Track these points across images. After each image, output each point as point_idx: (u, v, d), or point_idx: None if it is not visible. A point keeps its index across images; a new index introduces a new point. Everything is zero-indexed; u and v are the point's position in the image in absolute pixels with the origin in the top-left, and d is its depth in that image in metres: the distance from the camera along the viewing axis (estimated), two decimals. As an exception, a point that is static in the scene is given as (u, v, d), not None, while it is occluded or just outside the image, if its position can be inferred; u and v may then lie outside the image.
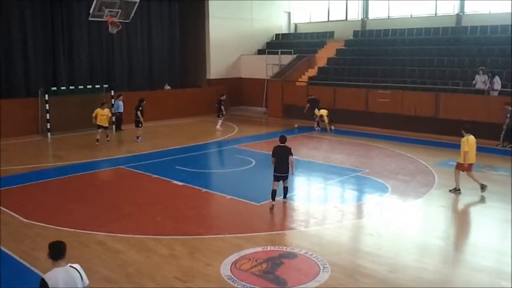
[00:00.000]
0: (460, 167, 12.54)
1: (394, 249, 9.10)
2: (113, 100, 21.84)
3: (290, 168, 11.23)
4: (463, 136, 12.40)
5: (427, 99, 20.40)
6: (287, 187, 11.57)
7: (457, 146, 17.63)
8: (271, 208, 11.19)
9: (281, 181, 11.37)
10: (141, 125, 19.42)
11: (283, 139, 11.44)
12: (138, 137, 19.43)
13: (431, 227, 10.64)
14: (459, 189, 12.52)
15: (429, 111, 20.29)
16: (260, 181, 14.02)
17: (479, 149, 17.31)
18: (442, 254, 9.15)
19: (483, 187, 12.43)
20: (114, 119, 21.55)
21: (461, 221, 11.25)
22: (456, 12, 25.57)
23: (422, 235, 10.07)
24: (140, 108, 19.37)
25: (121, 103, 21.69)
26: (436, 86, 20.71)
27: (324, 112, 21.71)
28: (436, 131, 19.77)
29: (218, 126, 22.04)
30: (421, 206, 11.91)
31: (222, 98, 22.37)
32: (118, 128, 21.97)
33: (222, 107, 22.26)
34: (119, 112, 21.81)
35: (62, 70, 23.19)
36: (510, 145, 17.70)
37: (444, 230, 10.59)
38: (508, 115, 17.77)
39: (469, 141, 12.31)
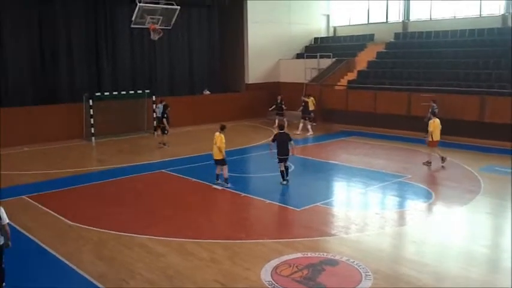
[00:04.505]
0: (429, 144, 15.60)
1: (438, 258, 8.84)
2: (154, 105, 22.17)
3: (291, 150, 13.36)
4: (430, 119, 15.76)
5: (471, 102, 19.78)
6: (288, 167, 13.62)
7: (503, 151, 17.34)
8: (284, 184, 13.43)
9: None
10: (167, 132, 19.08)
11: (282, 127, 14.05)
12: (165, 144, 19.23)
13: (477, 234, 10.28)
14: (431, 162, 15.59)
15: (474, 115, 19.67)
16: (299, 186, 13.95)
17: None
18: (489, 263, 8.83)
19: (443, 159, 15.54)
20: (155, 123, 21.79)
21: (507, 229, 10.80)
22: (502, 13, 24.70)
23: (468, 243, 9.74)
24: (165, 115, 19.03)
25: (161, 107, 21.21)
26: (482, 89, 20.04)
27: (311, 101, 22.89)
28: (481, 136, 19.15)
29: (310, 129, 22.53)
30: (466, 213, 11.54)
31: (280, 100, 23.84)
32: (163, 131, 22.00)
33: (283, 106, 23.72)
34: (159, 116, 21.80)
35: (106, 76, 23.81)
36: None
37: (491, 237, 10.22)
38: (430, 110, 18.08)
39: (435, 123, 15.47)
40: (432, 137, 15.41)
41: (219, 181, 13.54)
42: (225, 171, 13.37)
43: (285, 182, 13.48)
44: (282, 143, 13.36)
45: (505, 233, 10.54)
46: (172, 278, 8.04)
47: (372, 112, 22.83)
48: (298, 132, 21.84)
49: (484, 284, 7.80)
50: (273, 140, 13.66)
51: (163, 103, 19.91)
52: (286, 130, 14.11)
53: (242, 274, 8.11)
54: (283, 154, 13.38)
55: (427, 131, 15.93)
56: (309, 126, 22.35)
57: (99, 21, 23.46)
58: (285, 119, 22.63)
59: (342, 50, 28.57)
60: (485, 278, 8.06)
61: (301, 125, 22.26)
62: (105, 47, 23.74)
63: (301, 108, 22.60)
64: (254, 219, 11.63)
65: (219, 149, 13.15)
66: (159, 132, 20.03)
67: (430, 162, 15.61)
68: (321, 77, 26.52)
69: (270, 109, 24.49)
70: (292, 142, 13.51)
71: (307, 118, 22.37)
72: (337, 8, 32.07)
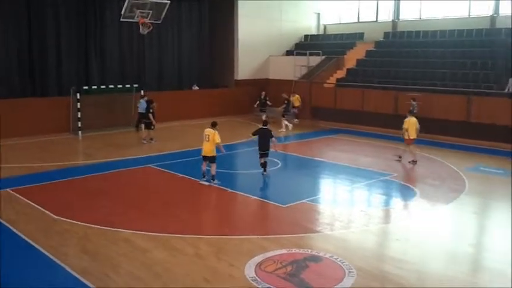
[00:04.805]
0: (406, 142, 16.01)
1: (421, 256, 8.93)
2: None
3: (273, 146, 13.85)
4: (406, 117, 16.10)
5: (458, 102, 19.98)
6: (266, 162, 14.06)
7: (490, 151, 17.59)
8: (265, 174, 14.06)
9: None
10: (153, 127, 18.94)
11: (265, 123, 14.26)
12: (151, 139, 19.10)
13: (460, 233, 10.40)
14: (416, 161, 15.89)
15: (461, 115, 19.88)
16: (286, 183, 14.03)
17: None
18: (471, 262, 8.94)
19: (414, 162, 15.82)
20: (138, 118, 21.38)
21: (491, 228, 10.97)
22: (490, 14, 24.94)
23: (451, 242, 9.85)
24: (151, 110, 18.82)
25: (144, 103, 20.59)
26: (469, 90, 20.24)
27: (297, 99, 24.53)
28: (467, 135, 19.38)
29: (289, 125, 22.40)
30: (450, 211, 11.66)
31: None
32: (137, 127, 21.52)
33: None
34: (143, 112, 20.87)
35: (94, 70, 23.62)
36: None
37: (474, 236, 10.34)
38: (411, 108, 18.77)
39: (410, 121, 15.88)
40: (408, 135, 15.78)
41: (206, 177, 13.49)
42: (213, 168, 13.25)
43: (265, 173, 14.00)
44: (264, 138, 13.75)
45: (489, 232, 10.70)
46: (156, 273, 8.03)
47: (360, 110, 22.95)
48: (282, 130, 21.87)
49: (466, 283, 7.88)
50: (254, 134, 14.09)
51: (146, 98, 19.86)
52: (269, 126, 14.32)
53: (226, 270, 8.13)
54: (263, 149, 13.82)
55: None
56: (287, 123, 22.33)
57: (89, 15, 23.25)
58: (264, 115, 22.31)
59: (331, 48, 28.66)
60: (468, 278, 8.14)
61: (283, 123, 22.22)
62: (93, 40, 23.55)
63: (283, 106, 22.56)
64: (240, 215, 11.66)
65: (218, 145, 13.06)
66: (143, 127, 19.75)
67: (415, 161, 15.90)
68: (310, 75, 26.59)
69: (255, 105, 24.40)
70: (274, 139, 13.87)
71: (285, 116, 22.37)
72: (328, 6, 32.13)
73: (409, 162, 15.95)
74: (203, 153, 13.28)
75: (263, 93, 24.13)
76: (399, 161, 16.16)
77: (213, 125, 13.23)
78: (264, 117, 21.66)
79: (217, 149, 13.24)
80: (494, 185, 13.84)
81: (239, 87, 27.99)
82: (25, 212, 10.94)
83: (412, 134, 15.82)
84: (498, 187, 13.65)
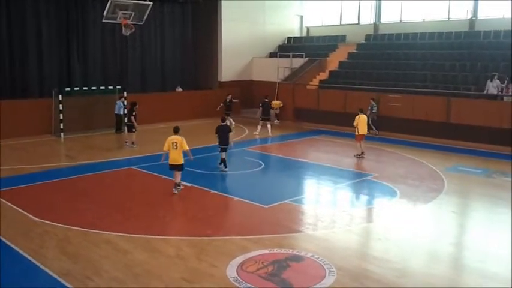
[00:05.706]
0: (356, 138, 16.89)
1: (402, 254, 9.05)
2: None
3: (230, 140, 14.65)
4: (357, 115, 16.82)
5: (438, 104, 20.28)
6: (225, 159, 14.72)
7: (468, 152, 17.91)
8: (223, 171, 14.65)
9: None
10: (135, 130, 18.44)
11: (223, 119, 15.22)
12: (133, 143, 18.62)
13: (439, 232, 10.56)
14: (361, 154, 16.83)
15: (440, 116, 20.17)
16: (268, 183, 14.12)
17: (491, 155, 17.48)
18: (451, 260, 9.09)
19: (362, 154, 16.76)
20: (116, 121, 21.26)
21: (470, 227, 11.17)
22: (469, 17, 25.41)
23: (431, 240, 9.99)
24: (134, 113, 18.26)
25: (121, 104, 20.79)
26: (448, 91, 20.58)
27: (277, 103, 25.33)
28: (447, 136, 19.67)
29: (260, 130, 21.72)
30: (429, 210, 11.83)
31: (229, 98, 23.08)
32: (118, 130, 21.18)
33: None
34: (118, 114, 20.98)
35: (76, 71, 23.48)
36: (375, 132, 20.49)
37: (453, 235, 10.51)
38: (369, 108, 20.30)
39: (360, 119, 16.71)
40: (358, 131, 16.70)
41: (180, 187, 12.71)
42: (179, 176, 12.47)
43: (226, 169, 14.66)
44: (223, 134, 14.65)
45: (467, 231, 10.89)
46: (138, 275, 8.02)
47: (342, 112, 23.12)
48: (256, 133, 21.48)
49: (446, 282, 8.01)
50: (216, 132, 14.82)
51: (123, 99, 20.27)
52: (228, 123, 15.29)
53: (208, 271, 8.15)
54: (223, 144, 14.70)
55: (372, 128, 17.40)
56: (268, 125, 21.75)
57: (71, 15, 23.12)
58: (229, 119, 21.33)
59: (314, 50, 28.90)
60: (448, 276, 8.28)
61: (259, 126, 21.68)
62: (75, 41, 23.42)
63: (260, 108, 22.11)
64: (222, 216, 11.68)
65: (187, 151, 12.40)
66: (125, 130, 19.34)
67: (360, 154, 16.90)
68: (293, 76, 26.75)
69: (218, 108, 22.92)
70: (231, 134, 14.91)
71: (261, 119, 21.60)
72: (311, 9, 32.39)
73: (354, 155, 16.96)
74: (173, 162, 12.30)
75: (229, 96, 22.94)
76: (362, 157, 16.83)
77: (177, 131, 12.43)
78: (259, 127, 21.42)
79: (185, 154, 12.40)
80: (472, 185, 14.09)
81: (223, 89, 27.98)
82: (5, 215, 10.81)
83: (362, 130, 16.69)
84: (476, 186, 13.91)
